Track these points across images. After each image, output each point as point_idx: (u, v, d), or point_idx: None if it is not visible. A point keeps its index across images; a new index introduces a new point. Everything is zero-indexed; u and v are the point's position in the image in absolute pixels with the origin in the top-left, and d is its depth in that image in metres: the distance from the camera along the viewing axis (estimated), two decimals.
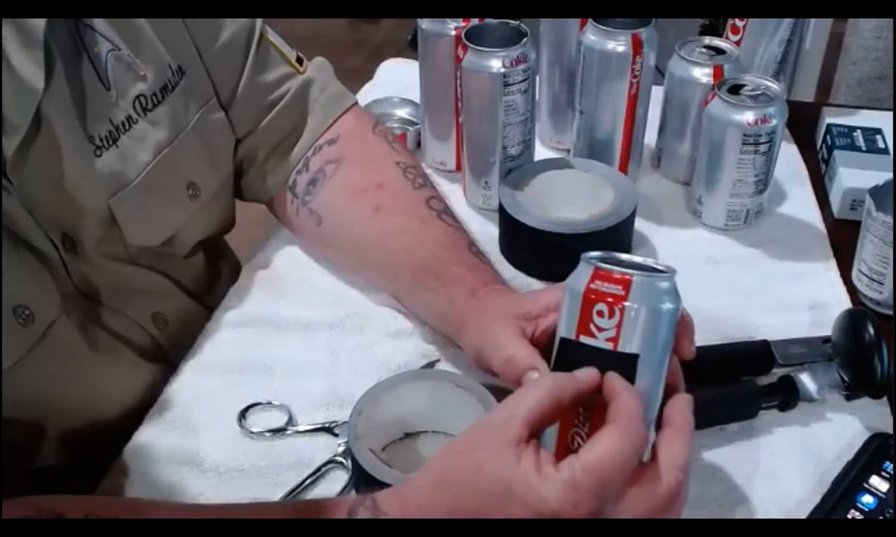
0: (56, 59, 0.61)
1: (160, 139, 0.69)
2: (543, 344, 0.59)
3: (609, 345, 0.48)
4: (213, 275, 0.84)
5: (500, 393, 0.60)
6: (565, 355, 0.50)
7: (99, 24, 0.65)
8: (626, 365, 0.48)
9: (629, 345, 0.48)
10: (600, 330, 0.48)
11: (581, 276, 0.49)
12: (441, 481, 0.50)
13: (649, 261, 0.52)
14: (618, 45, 0.82)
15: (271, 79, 0.79)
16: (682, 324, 0.52)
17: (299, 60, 0.81)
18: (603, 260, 0.50)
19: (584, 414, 0.49)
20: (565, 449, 0.48)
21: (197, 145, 0.73)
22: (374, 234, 0.76)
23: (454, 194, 0.90)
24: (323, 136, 0.80)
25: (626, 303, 0.47)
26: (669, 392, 0.51)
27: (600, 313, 0.48)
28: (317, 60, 0.83)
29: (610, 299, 0.48)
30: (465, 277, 0.69)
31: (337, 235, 0.78)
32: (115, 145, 0.66)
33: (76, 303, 0.66)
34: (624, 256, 0.52)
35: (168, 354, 0.75)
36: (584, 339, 0.49)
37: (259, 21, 0.78)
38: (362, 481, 0.59)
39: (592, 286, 0.48)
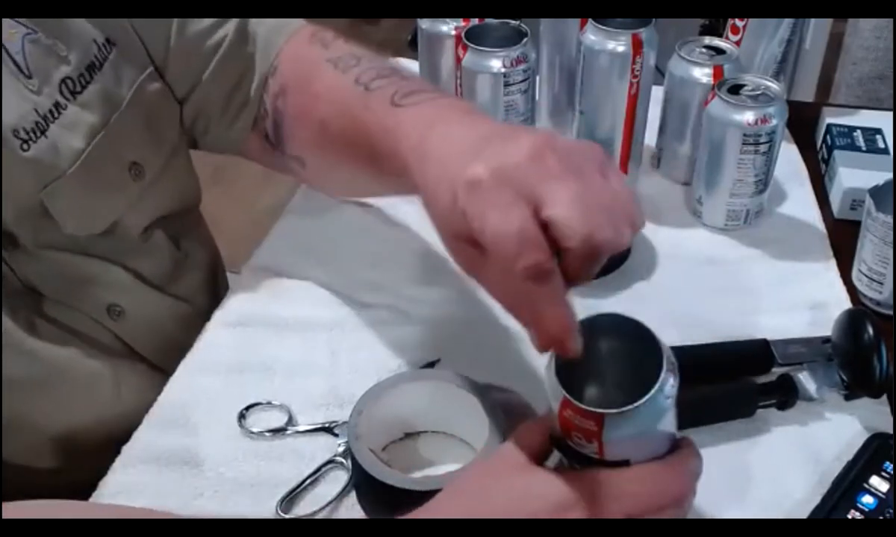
0: None
1: (93, 122, 0.65)
2: None
3: (596, 455, 0.47)
4: (177, 260, 0.79)
5: (502, 393, 0.60)
6: (558, 446, 0.49)
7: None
8: (619, 465, 0.47)
9: (616, 457, 0.47)
10: (583, 446, 0.47)
11: (553, 391, 0.47)
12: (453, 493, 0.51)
13: (640, 326, 0.48)
14: (618, 45, 0.82)
15: (203, 26, 0.73)
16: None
17: None
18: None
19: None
20: None
21: (135, 121, 0.69)
22: (331, 152, 0.69)
23: None
24: (270, 70, 0.74)
25: (603, 439, 0.46)
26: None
27: (578, 438, 0.46)
28: None
29: (586, 429, 0.46)
30: (405, 132, 0.58)
31: (317, 172, 0.74)
32: (45, 136, 0.62)
33: (23, 301, 0.65)
34: (603, 343, 0.49)
35: (133, 347, 0.73)
36: (572, 444, 0.47)
37: None
38: (362, 481, 0.59)
39: (565, 414, 0.46)
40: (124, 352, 0.73)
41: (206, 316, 0.79)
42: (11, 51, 0.61)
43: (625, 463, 0.47)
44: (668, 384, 0.46)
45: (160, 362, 0.76)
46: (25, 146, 0.61)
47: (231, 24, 0.74)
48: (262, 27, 0.75)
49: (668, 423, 0.47)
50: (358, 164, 0.66)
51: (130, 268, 0.73)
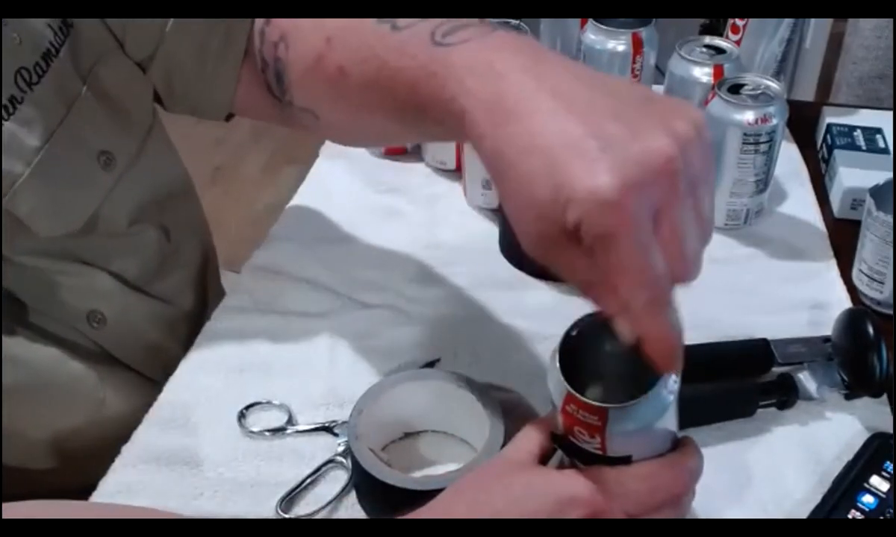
0: None
1: (51, 116, 0.61)
2: None
3: (599, 451, 0.47)
4: (165, 255, 0.75)
5: (502, 393, 0.60)
6: (560, 444, 0.49)
7: None
8: (621, 461, 0.47)
9: (618, 453, 0.47)
10: (586, 441, 0.47)
11: (556, 387, 0.47)
12: (456, 492, 0.50)
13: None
14: (618, 44, 0.82)
15: None
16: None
17: None
18: (578, 342, 0.47)
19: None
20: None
21: (98, 107, 0.64)
22: (352, 102, 0.60)
23: (454, 194, 0.90)
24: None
25: (606, 433, 0.46)
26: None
27: (581, 434, 0.47)
28: None
29: (589, 424, 0.46)
30: (461, 79, 0.49)
31: (333, 124, 0.65)
32: None
33: (6, 312, 0.64)
34: (605, 341, 0.48)
35: (114, 354, 0.72)
36: (573, 440, 0.48)
37: None
38: (362, 481, 0.59)
39: (569, 409, 0.46)
40: (106, 358, 0.72)
41: (189, 318, 0.79)
42: None
43: (626, 460, 0.47)
44: (671, 380, 0.46)
45: (140, 367, 0.75)
46: None
47: None
48: None
49: (670, 420, 0.47)
50: (389, 115, 0.57)
51: (114, 272, 0.70)
